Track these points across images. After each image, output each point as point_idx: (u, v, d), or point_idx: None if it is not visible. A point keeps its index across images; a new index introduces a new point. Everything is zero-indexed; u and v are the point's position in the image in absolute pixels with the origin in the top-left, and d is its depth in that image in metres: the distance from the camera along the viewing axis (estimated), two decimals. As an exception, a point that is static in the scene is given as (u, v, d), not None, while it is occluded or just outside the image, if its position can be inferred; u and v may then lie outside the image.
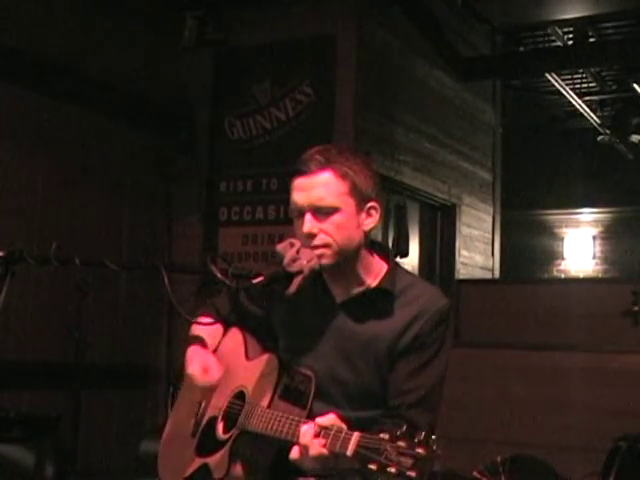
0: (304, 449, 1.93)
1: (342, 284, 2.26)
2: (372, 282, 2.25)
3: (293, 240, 2.21)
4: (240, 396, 2.28)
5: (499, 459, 4.52)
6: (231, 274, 2.09)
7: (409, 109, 6.48)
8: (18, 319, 5.02)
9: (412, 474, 1.69)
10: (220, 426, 2.28)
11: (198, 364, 2.33)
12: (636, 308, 5.84)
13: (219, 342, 2.47)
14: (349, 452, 1.81)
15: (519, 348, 5.61)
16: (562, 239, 10.64)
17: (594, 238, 10.46)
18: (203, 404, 2.36)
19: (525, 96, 9.16)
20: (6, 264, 2.20)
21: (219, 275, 2.07)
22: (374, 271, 2.26)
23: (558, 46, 7.61)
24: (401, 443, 1.73)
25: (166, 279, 2.11)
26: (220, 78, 6.27)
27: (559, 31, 7.35)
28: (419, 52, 6.61)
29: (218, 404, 2.32)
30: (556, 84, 8.14)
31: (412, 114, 6.51)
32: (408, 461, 1.71)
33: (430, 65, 6.77)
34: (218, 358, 2.39)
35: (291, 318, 2.32)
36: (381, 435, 1.76)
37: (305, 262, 2.15)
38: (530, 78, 8.77)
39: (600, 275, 10.24)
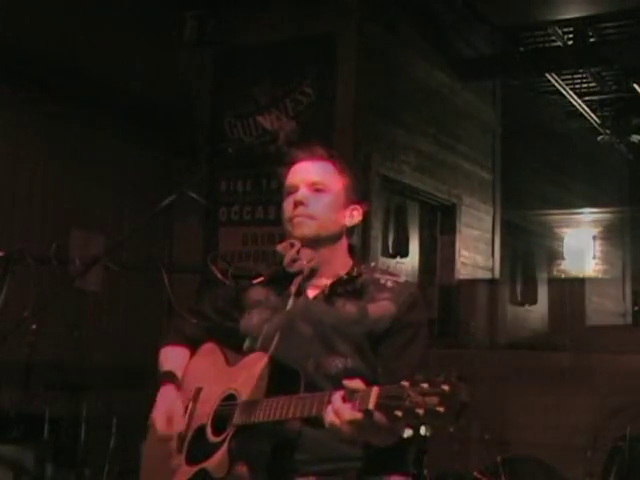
0: (336, 415, 1.90)
1: (318, 279, 2.30)
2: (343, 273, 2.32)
3: (293, 240, 2.23)
4: (229, 399, 2.27)
5: (499, 459, 4.52)
6: (231, 274, 2.09)
7: (409, 109, 6.48)
8: (17, 319, 5.01)
9: (441, 409, 1.66)
10: (210, 430, 2.27)
11: (164, 412, 2.33)
12: (636, 308, 5.85)
13: (189, 364, 2.49)
14: (371, 405, 1.79)
15: (519, 348, 5.61)
16: (562, 239, 10.65)
17: (594, 238, 10.46)
18: (186, 419, 2.36)
19: (525, 96, 9.16)
20: (6, 264, 2.20)
21: (219, 275, 2.07)
22: (347, 267, 2.33)
23: (558, 46, 7.61)
24: (424, 385, 1.71)
25: (166, 279, 2.11)
26: (220, 78, 6.27)
27: (559, 31, 7.35)
28: (419, 52, 6.61)
29: (205, 413, 2.31)
30: (556, 84, 8.15)
31: (412, 114, 6.51)
32: (434, 399, 1.68)
33: (430, 65, 6.77)
34: (189, 378, 2.41)
35: (266, 317, 2.32)
36: (402, 383, 1.74)
37: (305, 262, 2.15)
38: (530, 78, 8.77)
39: (600, 275, 10.25)
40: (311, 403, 1.99)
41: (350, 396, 1.88)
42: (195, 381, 2.41)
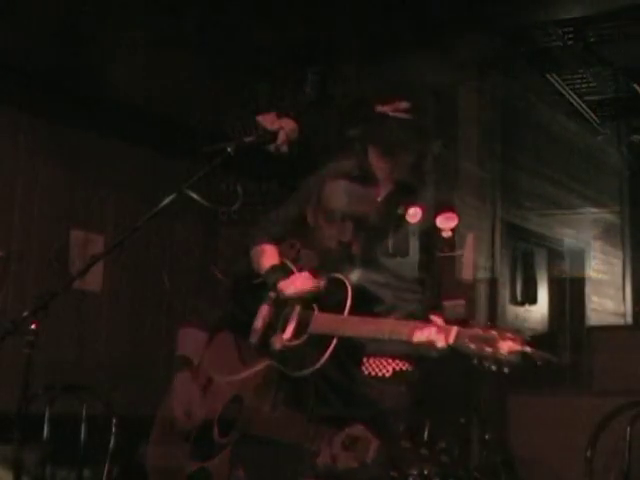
0: (332, 460, 1.93)
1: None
2: None
3: (293, 241, 2.23)
4: (237, 401, 2.27)
5: (499, 459, 4.53)
6: (232, 274, 2.10)
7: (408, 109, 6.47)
8: (17, 318, 5.00)
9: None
10: (216, 430, 2.27)
11: (182, 404, 2.34)
12: (637, 309, 5.85)
13: (205, 351, 2.48)
14: (369, 459, 1.82)
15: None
16: (562, 239, 10.63)
17: (594, 238, 10.45)
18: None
19: (525, 96, 9.15)
20: (6, 264, 2.21)
21: (219, 274, 2.08)
22: None
23: (558, 46, 7.61)
24: (424, 452, 1.77)
25: (166, 279, 2.12)
26: (220, 78, 6.27)
27: (559, 31, 7.35)
28: (418, 52, 6.61)
29: (213, 408, 2.31)
30: (556, 84, 8.15)
31: (411, 114, 6.50)
32: (431, 468, 1.74)
33: (429, 65, 6.76)
34: (203, 365, 2.41)
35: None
36: (403, 443, 1.82)
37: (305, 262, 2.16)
38: (530, 78, 8.76)
39: (600, 275, 10.23)
40: (313, 438, 2.02)
41: (350, 444, 1.90)
42: (207, 370, 2.42)
